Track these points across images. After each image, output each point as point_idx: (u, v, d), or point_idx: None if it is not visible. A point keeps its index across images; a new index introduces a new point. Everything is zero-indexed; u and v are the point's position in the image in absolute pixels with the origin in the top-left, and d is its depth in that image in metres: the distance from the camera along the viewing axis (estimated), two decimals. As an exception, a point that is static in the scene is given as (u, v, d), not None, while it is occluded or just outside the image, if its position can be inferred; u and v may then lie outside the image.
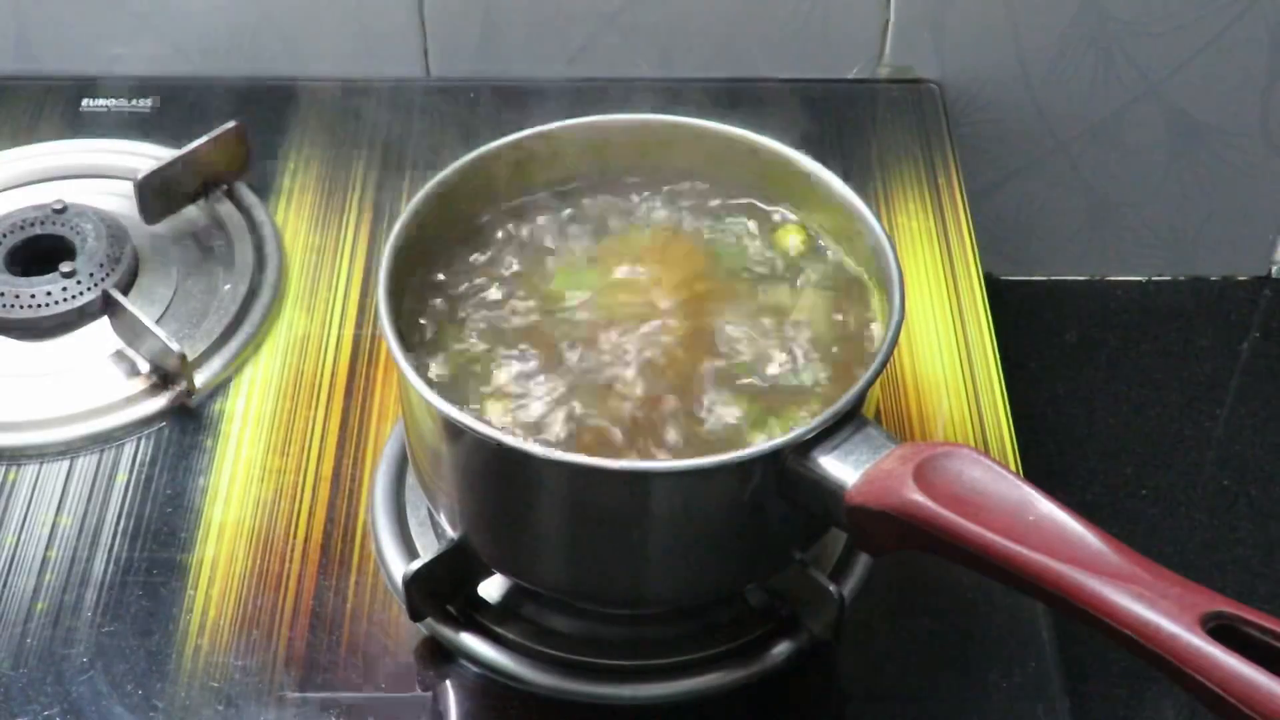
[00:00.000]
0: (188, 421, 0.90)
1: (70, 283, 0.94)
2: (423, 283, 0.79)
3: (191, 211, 1.01)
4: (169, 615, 0.80)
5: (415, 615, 0.78)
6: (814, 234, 0.81)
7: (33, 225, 0.97)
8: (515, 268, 0.81)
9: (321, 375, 0.92)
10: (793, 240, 0.81)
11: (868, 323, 0.78)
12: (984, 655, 0.79)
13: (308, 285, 0.98)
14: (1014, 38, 1.10)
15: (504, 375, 0.75)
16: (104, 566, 0.82)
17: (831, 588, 0.75)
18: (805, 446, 0.68)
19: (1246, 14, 1.09)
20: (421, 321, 0.78)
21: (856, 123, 1.10)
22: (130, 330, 0.92)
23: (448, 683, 0.78)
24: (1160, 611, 0.58)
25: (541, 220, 0.83)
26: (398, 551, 0.82)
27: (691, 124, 0.83)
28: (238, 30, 1.11)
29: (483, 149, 0.81)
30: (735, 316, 0.78)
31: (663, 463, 0.71)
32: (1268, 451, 1.10)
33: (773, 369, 0.75)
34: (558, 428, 0.73)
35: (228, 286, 0.96)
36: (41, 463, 0.87)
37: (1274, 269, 1.22)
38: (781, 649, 0.78)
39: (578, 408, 0.73)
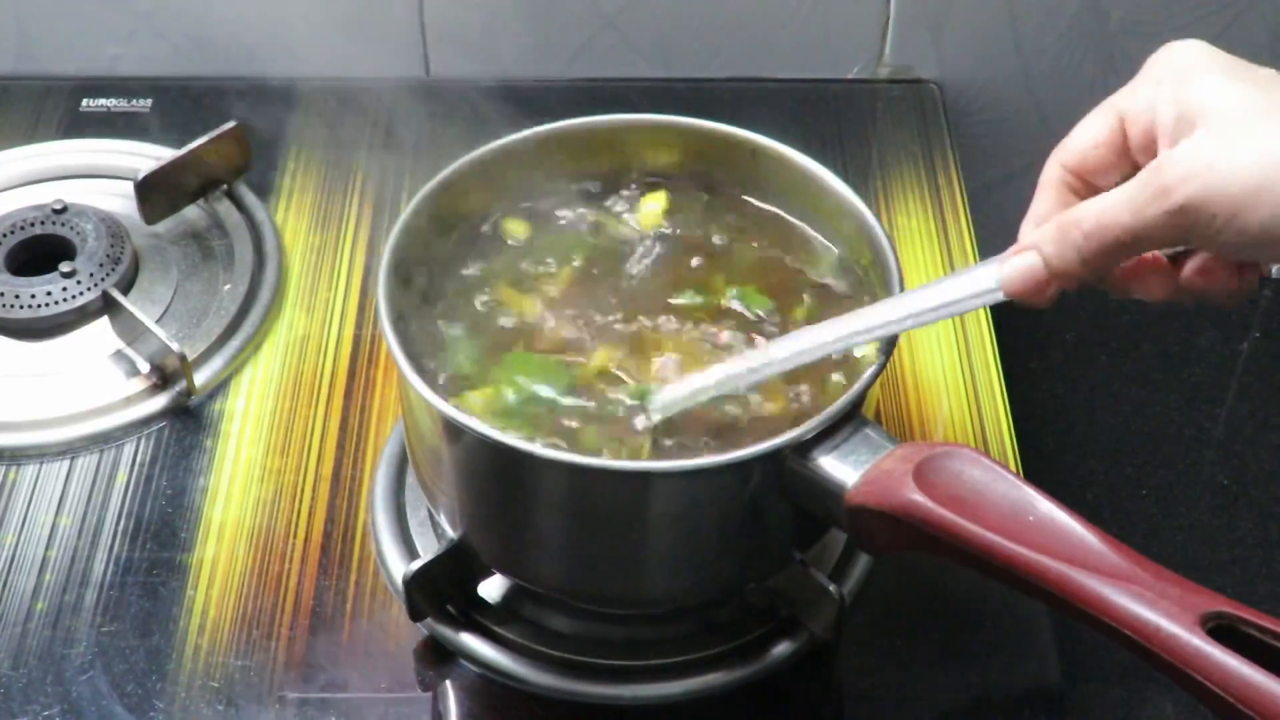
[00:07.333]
0: (188, 421, 0.90)
1: (70, 283, 0.94)
2: (423, 283, 0.79)
3: (191, 211, 1.01)
4: (169, 615, 0.80)
5: (415, 615, 0.78)
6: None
7: (33, 225, 0.97)
8: (515, 268, 0.81)
9: (321, 375, 0.92)
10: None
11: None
12: (984, 655, 0.79)
13: (308, 285, 0.98)
14: (1014, 38, 1.10)
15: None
16: (104, 566, 0.82)
17: (831, 588, 0.75)
18: (805, 446, 0.68)
19: (1246, 14, 1.09)
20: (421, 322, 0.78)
21: (856, 123, 1.10)
22: (130, 330, 0.92)
23: (448, 683, 0.78)
24: (1160, 611, 0.58)
25: (542, 220, 0.83)
26: (398, 551, 0.82)
27: (691, 124, 0.83)
28: (237, 30, 1.10)
29: (483, 149, 0.81)
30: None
31: (663, 463, 0.71)
32: (1268, 451, 1.10)
33: None
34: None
35: (228, 286, 0.96)
36: (41, 463, 0.87)
37: (1274, 269, 1.22)
38: (781, 649, 0.78)
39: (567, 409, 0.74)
